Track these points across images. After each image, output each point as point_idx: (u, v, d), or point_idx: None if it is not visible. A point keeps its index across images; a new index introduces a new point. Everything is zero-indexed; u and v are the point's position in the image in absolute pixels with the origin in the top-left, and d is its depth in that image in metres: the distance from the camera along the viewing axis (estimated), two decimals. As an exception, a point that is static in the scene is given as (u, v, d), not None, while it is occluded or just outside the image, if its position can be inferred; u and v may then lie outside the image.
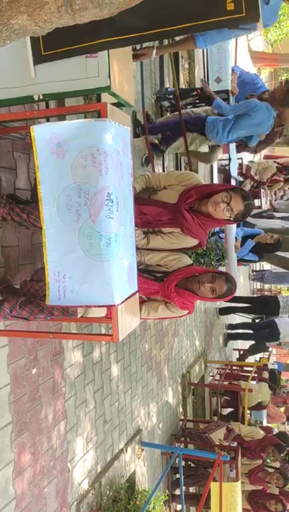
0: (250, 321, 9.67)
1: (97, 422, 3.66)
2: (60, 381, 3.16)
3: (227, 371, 7.64)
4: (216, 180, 5.86)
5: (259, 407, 7.71)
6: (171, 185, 2.64)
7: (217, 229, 5.96)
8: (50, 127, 1.90)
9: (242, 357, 9.68)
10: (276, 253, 6.82)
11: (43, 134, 1.90)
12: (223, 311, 8.71)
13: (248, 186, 8.80)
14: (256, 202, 9.04)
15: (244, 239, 5.68)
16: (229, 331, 9.33)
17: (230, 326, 9.30)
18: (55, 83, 2.03)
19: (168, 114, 5.63)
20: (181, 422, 5.87)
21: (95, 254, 1.96)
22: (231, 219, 2.50)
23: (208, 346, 7.93)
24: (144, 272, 2.64)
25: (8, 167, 2.72)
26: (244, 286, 12.04)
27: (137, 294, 2.30)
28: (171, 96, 5.15)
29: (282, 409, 9.31)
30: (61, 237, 1.98)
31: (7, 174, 2.71)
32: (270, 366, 9.84)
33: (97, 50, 1.98)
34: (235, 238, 5.30)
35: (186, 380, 6.24)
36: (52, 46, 2.00)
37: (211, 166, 6.02)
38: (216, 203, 2.47)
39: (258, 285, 14.37)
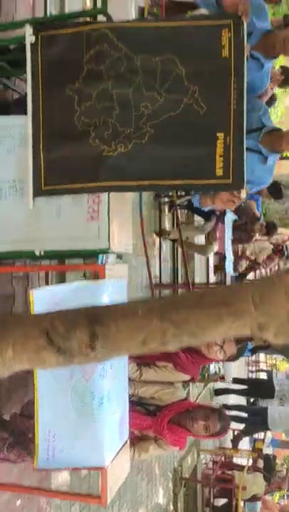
0: (244, 402, 9.51)
1: None
2: (46, 506, 3.06)
3: (221, 459, 7.41)
4: (211, 273, 5.95)
5: (253, 499, 7.42)
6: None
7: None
8: (49, 291, 1.96)
9: (236, 438, 9.42)
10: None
11: (42, 296, 1.95)
12: (219, 392, 8.59)
13: (244, 266, 8.92)
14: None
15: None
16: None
17: (225, 407, 9.11)
18: (56, 241, 2.10)
19: (166, 209, 5.81)
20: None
21: (87, 414, 1.96)
22: (224, 359, 2.54)
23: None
24: (137, 404, 2.63)
25: (6, 295, 2.77)
26: (239, 361, 11.89)
27: (128, 441, 2.27)
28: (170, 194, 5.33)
29: (276, 497, 8.96)
30: (53, 395, 1.99)
31: (5, 301, 2.76)
32: (265, 448, 9.58)
33: (95, 192, 2.08)
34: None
35: (177, 474, 6.03)
36: (52, 182, 2.10)
37: (207, 258, 6.12)
38: (209, 345, 2.51)
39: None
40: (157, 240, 5.73)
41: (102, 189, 2.06)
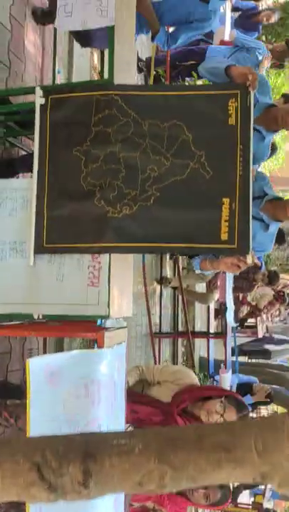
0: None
1: None
2: None
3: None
4: (212, 320, 5.87)
5: None
6: (165, 381, 2.62)
7: (212, 371, 5.87)
8: (45, 359, 1.91)
9: (236, 491, 9.08)
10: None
11: (38, 365, 1.90)
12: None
13: (244, 312, 8.86)
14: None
15: (239, 387, 5.58)
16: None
17: None
18: (55, 305, 2.07)
19: (167, 257, 5.80)
20: None
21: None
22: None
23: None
24: None
25: (3, 351, 2.72)
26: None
27: None
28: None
29: None
30: None
31: (1, 358, 2.70)
32: (265, 502, 9.22)
33: (98, 253, 2.06)
34: (230, 386, 5.19)
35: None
36: (55, 240, 2.08)
37: (208, 306, 6.08)
38: (209, 413, 2.43)
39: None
40: (158, 287, 5.71)
41: (105, 250, 2.05)
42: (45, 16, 3.12)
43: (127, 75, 2.34)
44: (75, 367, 1.92)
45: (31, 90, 2.22)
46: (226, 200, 2.01)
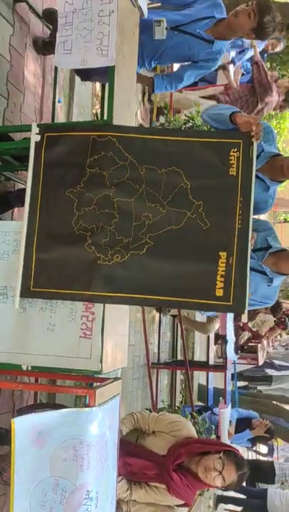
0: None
1: None
2: None
3: None
4: (212, 350, 5.72)
5: None
6: (161, 432, 2.49)
7: (211, 403, 5.71)
8: (32, 418, 1.79)
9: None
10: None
11: (24, 425, 1.78)
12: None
13: (245, 337, 8.71)
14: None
15: (239, 422, 5.42)
16: (219, 493, 8.60)
17: (220, 498, 8.60)
18: (45, 356, 1.96)
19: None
20: None
21: None
22: (222, 487, 2.31)
23: (197, 509, 7.24)
24: None
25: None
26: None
27: None
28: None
29: None
30: None
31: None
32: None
33: (85, 301, 1.95)
34: (230, 422, 5.03)
35: None
36: (42, 284, 1.97)
37: (208, 336, 5.94)
38: (207, 469, 2.29)
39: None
40: (157, 315, 5.58)
41: (93, 299, 1.93)
42: (46, 46, 3.06)
43: (127, 115, 2.25)
44: (63, 427, 1.79)
45: (27, 128, 2.14)
46: (222, 254, 1.90)
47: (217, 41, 2.67)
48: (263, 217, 6.02)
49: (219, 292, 1.90)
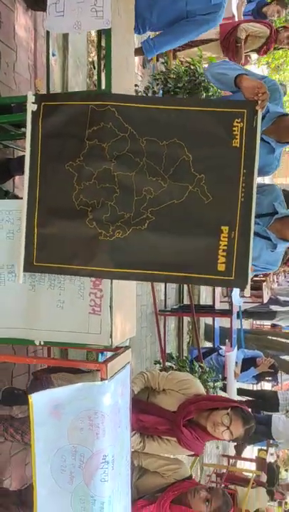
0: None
1: None
2: None
3: (224, 472, 7.43)
4: (217, 293, 5.80)
5: (256, 513, 7.45)
6: (171, 390, 2.61)
7: (217, 343, 5.90)
8: (48, 394, 1.88)
9: (239, 447, 9.44)
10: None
11: (41, 399, 1.87)
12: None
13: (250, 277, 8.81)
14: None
15: (244, 361, 5.64)
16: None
17: None
18: (56, 332, 2.02)
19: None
20: None
21: (87, 518, 1.90)
22: (230, 440, 2.46)
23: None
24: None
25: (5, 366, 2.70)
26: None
27: None
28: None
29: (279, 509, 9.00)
30: (53, 499, 1.93)
31: (5, 364, 2.69)
32: (268, 457, 9.57)
33: (87, 276, 1.98)
34: (236, 362, 5.25)
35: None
36: (44, 259, 1.99)
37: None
38: (215, 424, 2.42)
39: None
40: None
41: (96, 274, 1.95)
42: (37, 2, 2.84)
43: (127, 77, 2.16)
44: (78, 400, 1.89)
45: (23, 99, 2.06)
46: (224, 229, 1.89)
47: None
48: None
49: (221, 267, 1.90)
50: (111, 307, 1.97)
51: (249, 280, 1.91)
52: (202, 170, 1.92)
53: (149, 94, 3.81)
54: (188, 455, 2.61)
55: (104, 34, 1.98)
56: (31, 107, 2.02)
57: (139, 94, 3.69)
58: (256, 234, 2.03)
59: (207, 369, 4.09)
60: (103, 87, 2.12)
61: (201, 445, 2.55)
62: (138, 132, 1.95)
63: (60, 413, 1.90)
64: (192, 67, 3.58)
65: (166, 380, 2.64)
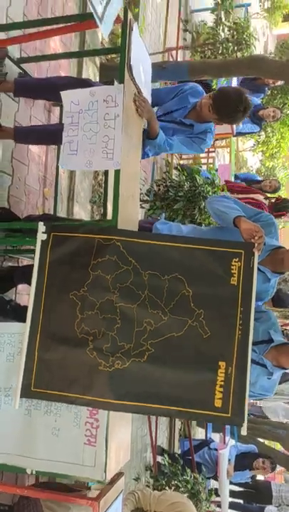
0: (241, 501, 9.06)
1: None
2: None
3: None
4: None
5: None
6: (162, 513, 2.53)
7: (210, 432, 5.73)
8: None
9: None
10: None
11: None
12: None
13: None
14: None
15: (238, 457, 5.47)
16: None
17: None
18: (49, 462, 2.00)
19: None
20: None
21: None
22: None
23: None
24: None
25: None
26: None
27: None
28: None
29: None
30: None
31: None
32: None
33: (85, 405, 1.97)
34: (228, 460, 5.08)
35: None
36: (43, 385, 2.00)
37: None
38: None
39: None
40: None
41: (93, 404, 1.97)
42: None
43: (132, 207, 2.29)
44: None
45: (34, 226, 2.16)
46: (222, 364, 1.94)
47: (197, 124, 2.73)
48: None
49: (218, 403, 1.93)
50: (107, 439, 1.96)
51: (246, 417, 1.93)
52: (201, 305, 2.00)
53: (151, 198, 3.99)
54: None
55: (114, 174, 2.13)
56: (41, 236, 2.11)
57: (141, 195, 3.85)
58: (252, 361, 2.07)
59: (200, 479, 3.96)
60: (109, 216, 2.24)
61: None
62: (141, 266, 2.04)
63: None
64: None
65: (158, 501, 2.57)
